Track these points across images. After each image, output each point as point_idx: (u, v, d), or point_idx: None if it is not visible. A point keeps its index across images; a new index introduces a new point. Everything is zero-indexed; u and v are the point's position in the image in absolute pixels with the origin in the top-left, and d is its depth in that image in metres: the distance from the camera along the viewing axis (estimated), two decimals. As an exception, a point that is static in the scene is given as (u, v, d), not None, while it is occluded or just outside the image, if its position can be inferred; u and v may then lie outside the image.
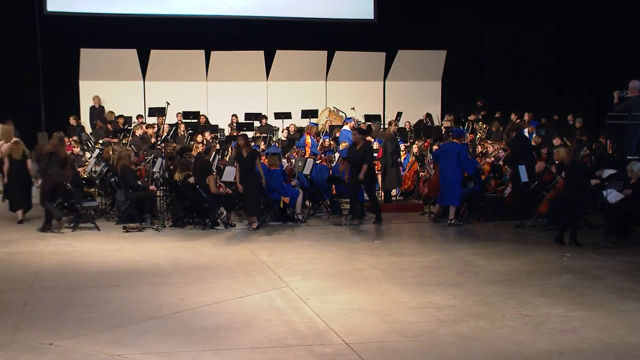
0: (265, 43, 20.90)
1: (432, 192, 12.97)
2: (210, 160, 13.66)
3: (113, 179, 12.75)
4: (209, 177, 12.05)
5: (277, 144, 16.61)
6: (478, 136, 18.19)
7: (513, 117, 19.11)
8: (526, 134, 16.50)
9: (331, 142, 16.78)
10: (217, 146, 16.49)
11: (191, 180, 11.90)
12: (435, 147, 15.84)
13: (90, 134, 18.61)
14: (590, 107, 18.75)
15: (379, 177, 14.98)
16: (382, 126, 19.11)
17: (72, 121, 18.73)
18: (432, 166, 13.54)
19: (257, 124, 19.50)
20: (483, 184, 13.18)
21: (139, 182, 12.54)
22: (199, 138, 16.70)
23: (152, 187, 12.40)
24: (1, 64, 19.14)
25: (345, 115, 20.24)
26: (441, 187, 12.41)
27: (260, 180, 11.93)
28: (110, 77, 19.92)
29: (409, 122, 19.88)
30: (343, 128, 16.99)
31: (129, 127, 18.31)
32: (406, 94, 22.05)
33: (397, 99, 21.89)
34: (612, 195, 10.22)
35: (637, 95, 11.80)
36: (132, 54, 20.19)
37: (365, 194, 13.11)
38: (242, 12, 21.49)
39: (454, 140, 12.67)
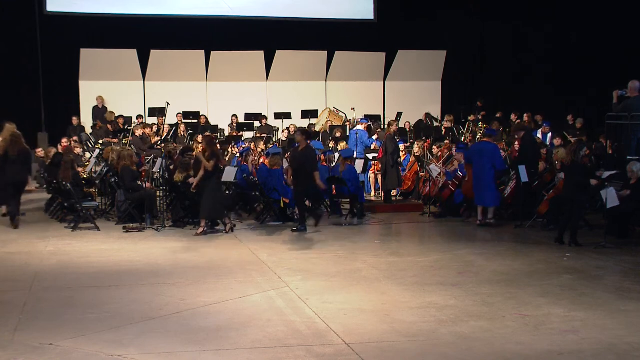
0: (265, 43, 20.91)
1: (470, 195, 12.52)
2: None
3: (113, 179, 12.75)
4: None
5: (277, 144, 16.62)
6: (478, 137, 18.18)
7: (513, 117, 19.11)
8: (539, 135, 16.49)
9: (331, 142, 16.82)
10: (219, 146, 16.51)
11: (191, 180, 11.89)
12: (435, 148, 15.84)
13: (91, 134, 18.63)
14: (590, 107, 18.74)
15: (379, 177, 14.99)
16: (381, 126, 19.12)
17: (75, 121, 18.76)
18: (450, 163, 13.19)
19: (257, 124, 19.52)
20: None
21: (139, 183, 12.53)
22: (199, 138, 16.70)
23: (148, 184, 12.37)
24: (1, 64, 19.15)
25: (346, 116, 20.26)
26: (476, 187, 12.19)
27: (218, 185, 11.68)
28: (110, 78, 19.92)
29: (409, 122, 19.89)
30: (356, 128, 16.96)
31: (129, 128, 18.32)
32: (406, 94, 22.06)
33: (397, 99, 21.91)
34: (610, 199, 10.20)
35: (637, 95, 11.80)
36: (132, 54, 20.19)
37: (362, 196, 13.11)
38: (242, 12, 21.50)
39: (486, 140, 12.58)
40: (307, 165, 11.69)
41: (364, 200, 13.39)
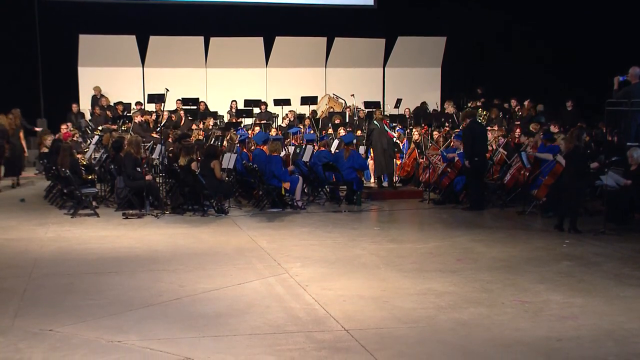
0: (265, 29, 20.84)
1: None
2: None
3: (112, 166, 12.73)
4: (214, 161, 11.96)
5: (277, 131, 16.57)
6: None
7: (513, 103, 19.08)
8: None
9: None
10: (219, 132, 16.49)
11: (193, 165, 11.86)
12: (436, 134, 15.79)
13: (90, 120, 18.62)
14: (589, 94, 18.69)
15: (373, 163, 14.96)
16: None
17: (74, 108, 18.73)
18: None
19: (256, 110, 19.48)
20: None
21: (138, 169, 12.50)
22: (202, 125, 16.69)
23: (148, 177, 12.29)
24: (0, 50, 19.09)
25: (345, 103, 20.21)
26: None
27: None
28: (109, 64, 19.86)
29: (409, 109, 19.86)
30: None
31: (128, 114, 18.29)
32: (406, 80, 22.02)
33: (397, 86, 21.86)
34: (611, 178, 10.20)
35: (638, 82, 11.76)
36: (131, 41, 20.12)
37: (362, 183, 13.18)
38: (241, -3, 21.45)
39: (550, 143, 12.28)
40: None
41: (361, 189, 13.35)
